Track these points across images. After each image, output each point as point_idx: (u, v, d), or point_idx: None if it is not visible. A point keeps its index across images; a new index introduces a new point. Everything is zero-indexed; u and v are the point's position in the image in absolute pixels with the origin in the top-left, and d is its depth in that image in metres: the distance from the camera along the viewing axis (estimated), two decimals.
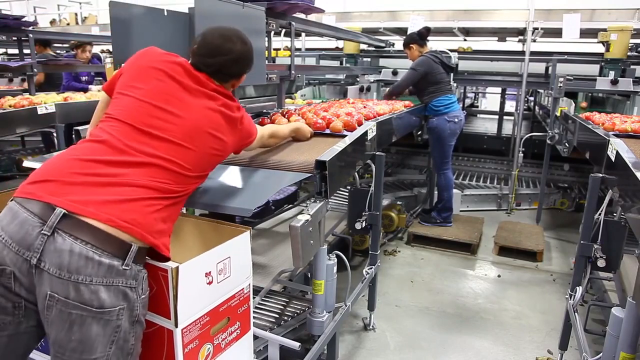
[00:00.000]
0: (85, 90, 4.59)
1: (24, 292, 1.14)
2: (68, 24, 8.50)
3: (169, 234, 1.29)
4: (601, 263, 2.08)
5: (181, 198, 1.34)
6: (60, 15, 9.22)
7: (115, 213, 1.15)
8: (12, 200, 1.17)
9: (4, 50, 7.11)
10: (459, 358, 2.51)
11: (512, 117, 6.52)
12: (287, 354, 2.02)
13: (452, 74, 4.04)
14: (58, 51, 6.08)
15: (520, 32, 5.15)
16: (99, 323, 1.12)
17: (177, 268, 1.21)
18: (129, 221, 1.16)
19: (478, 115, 8.48)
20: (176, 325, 1.24)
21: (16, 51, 4.91)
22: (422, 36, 3.93)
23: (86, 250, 1.10)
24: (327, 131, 2.35)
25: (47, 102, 3.36)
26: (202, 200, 1.77)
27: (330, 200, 1.91)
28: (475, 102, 9.72)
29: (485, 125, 7.13)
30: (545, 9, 4.57)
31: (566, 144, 3.57)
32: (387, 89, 4.19)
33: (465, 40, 5.76)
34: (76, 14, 9.00)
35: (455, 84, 4.21)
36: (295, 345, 1.91)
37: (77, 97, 3.76)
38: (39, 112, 3.24)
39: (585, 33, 4.39)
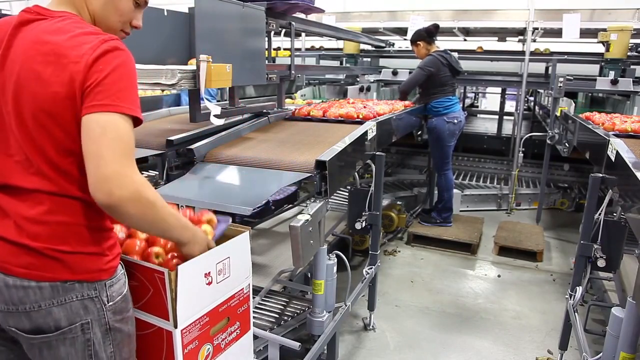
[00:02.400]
0: None
1: None
2: None
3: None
4: (601, 263, 2.08)
5: None
6: None
7: None
8: None
9: None
10: (459, 358, 2.51)
11: (512, 117, 6.52)
12: (287, 354, 2.02)
13: (456, 77, 4.02)
14: None
15: (520, 32, 5.15)
16: (64, 344, 1.07)
17: (176, 269, 1.21)
18: None
19: (478, 115, 8.48)
20: (175, 326, 1.24)
21: None
22: (430, 33, 3.89)
23: (20, 280, 1.03)
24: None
25: None
26: (202, 200, 1.77)
27: (330, 200, 1.91)
28: (475, 102, 9.72)
29: (485, 125, 7.13)
30: (545, 9, 4.57)
31: (566, 144, 3.57)
32: (399, 88, 4.16)
33: (465, 40, 5.75)
34: None
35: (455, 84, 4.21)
36: (295, 345, 1.91)
37: None
38: None
39: (585, 33, 4.39)
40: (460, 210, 4.64)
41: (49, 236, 1.03)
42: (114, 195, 0.96)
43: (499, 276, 3.48)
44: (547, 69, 5.23)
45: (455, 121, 3.88)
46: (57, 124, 1.01)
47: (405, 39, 5.80)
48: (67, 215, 1.05)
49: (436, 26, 3.90)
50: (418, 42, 3.92)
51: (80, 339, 1.08)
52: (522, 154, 4.70)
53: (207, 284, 1.32)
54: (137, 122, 1.04)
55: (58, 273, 1.04)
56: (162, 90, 3.99)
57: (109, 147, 0.97)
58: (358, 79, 5.34)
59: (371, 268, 2.59)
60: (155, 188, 1.76)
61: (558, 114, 4.04)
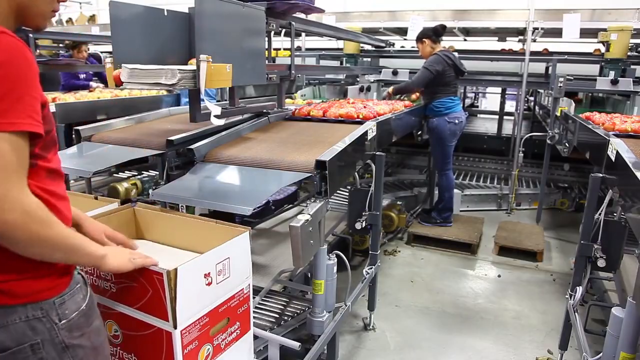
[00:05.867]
0: (86, 87, 4.62)
1: None
2: (72, 23, 8.48)
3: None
4: (601, 263, 2.08)
5: None
6: (60, 14, 9.20)
7: None
8: None
9: None
10: (459, 358, 2.51)
11: (512, 117, 6.52)
12: (287, 354, 2.02)
13: (460, 77, 4.01)
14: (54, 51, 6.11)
15: (520, 32, 5.15)
16: None
17: (175, 270, 1.20)
18: None
19: (478, 115, 8.48)
20: (175, 327, 1.24)
21: None
22: (436, 33, 3.89)
23: None
24: None
25: None
26: (202, 200, 1.77)
27: (330, 200, 1.91)
28: (475, 102, 9.72)
29: (485, 125, 7.13)
30: (545, 9, 4.57)
31: (566, 144, 3.57)
32: (393, 86, 4.11)
33: (465, 40, 5.75)
34: (81, 13, 8.99)
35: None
36: (295, 345, 1.91)
37: (67, 98, 3.72)
38: None
39: (585, 33, 4.39)
40: (461, 210, 4.64)
41: None
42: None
43: (499, 276, 3.48)
44: (547, 69, 5.23)
45: (457, 121, 3.88)
46: None
47: (405, 39, 5.81)
48: None
49: (443, 26, 3.92)
50: (424, 40, 3.91)
51: (31, 358, 0.98)
52: (522, 154, 4.70)
53: (206, 285, 1.32)
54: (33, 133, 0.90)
55: None
56: (158, 91, 4.01)
57: None
58: (358, 79, 5.33)
59: (371, 268, 2.59)
60: (155, 188, 1.77)
61: (558, 114, 4.04)
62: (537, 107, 6.03)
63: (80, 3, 9.37)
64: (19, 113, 0.87)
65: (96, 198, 1.76)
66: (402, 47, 6.04)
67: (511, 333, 2.73)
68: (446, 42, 5.10)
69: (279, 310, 2.28)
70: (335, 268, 2.05)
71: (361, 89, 4.90)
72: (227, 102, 2.57)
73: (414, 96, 4.31)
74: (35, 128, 0.90)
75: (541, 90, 5.52)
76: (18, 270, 0.96)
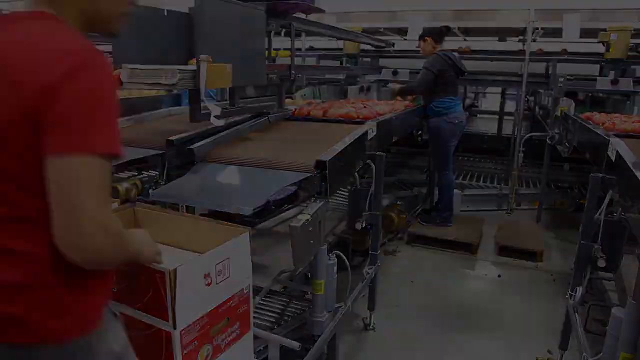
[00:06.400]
0: None
1: None
2: None
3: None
4: (601, 263, 2.08)
5: None
6: None
7: None
8: None
9: None
10: (459, 358, 2.51)
11: (512, 117, 6.51)
12: (287, 354, 2.02)
13: (460, 77, 4.02)
14: None
15: (520, 32, 5.15)
16: None
17: (174, 270, 1.20)
18: None
19: (478, 115, 8.47)
20: (174, 327, 1.24)
21: None
22: (440, 33, 3.92)
23: None
24: None
25: None
26: (202, 200, 1.77)
27: (330, 200, 1.91)
28: (475, 102, 9.71)
29: (486, 125, 7.13)
30: (545, 8, 4.57)
31: (566, 144, 3.57)
32: (397, 86, 4.13)
33: (465, 40, 5.75)
34: None
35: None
36: (295, 345, 1.91)
37: None
38: None
39: (586, 33, 4.39)
40: (461, 210, 4.63)
41: None
42: (93, 247, 0.81)
43: (499, 276, 3.48)
44: (547, 69, 5.23)
45: (456, 121, 3.88)
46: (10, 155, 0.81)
47: (405, 39, 5.81)
48: (23, 276, 0.83)
49: (448, 28, 3.96)
50: (427, 38, 3.92)
51: None
52: (522, 154, 4.70)
53: (206, 285, 1.32)
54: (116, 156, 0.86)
55: (9, 335, 0.83)
56: (158, 91, 4.00)
57: (83, 194, 0.79)
58: (358, 79, 5.33)
59: (371, 268, 2.59)
60: (155, 188, 1.77)
61: (558, 114, 4.04)
62: (537, 107, 6.02)
63: None
64: (112, 135, 0.84)
65: None
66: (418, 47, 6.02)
67: (511, 333, 2.73)
68: (446, 42, 5.11)
69: (279, 310, 2.28)
70: (335, 268, 2.05)
71: (361, 89, 4.90)
72: (227, 102, 2.57)
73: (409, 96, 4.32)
74: (123, 152, 0.87)
75: (541, 90, 5.52)
76: (46, 301, 0.85)
